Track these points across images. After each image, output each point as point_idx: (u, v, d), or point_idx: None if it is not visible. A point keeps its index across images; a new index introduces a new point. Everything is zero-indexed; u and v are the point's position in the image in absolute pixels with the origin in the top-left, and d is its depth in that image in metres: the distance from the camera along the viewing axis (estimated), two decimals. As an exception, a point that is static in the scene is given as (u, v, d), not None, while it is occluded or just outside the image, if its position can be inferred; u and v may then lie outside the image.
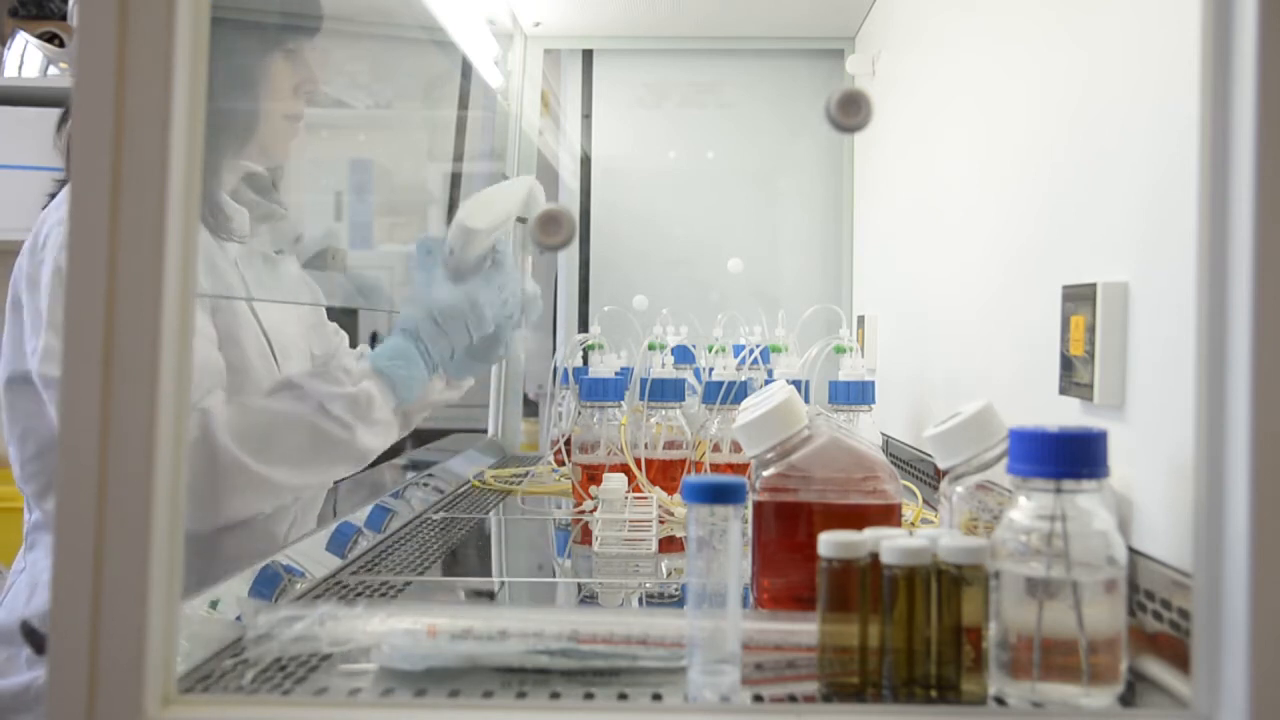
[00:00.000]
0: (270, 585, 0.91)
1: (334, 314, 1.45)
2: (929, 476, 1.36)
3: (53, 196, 1.25)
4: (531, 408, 2.17)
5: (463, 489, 1.50)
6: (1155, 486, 0.73)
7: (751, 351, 1.26)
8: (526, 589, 1.03)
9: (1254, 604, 0.54)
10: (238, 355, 1.15)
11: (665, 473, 1.29)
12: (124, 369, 0.54)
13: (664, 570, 1.03)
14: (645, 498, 1.21)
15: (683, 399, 1.33)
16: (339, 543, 1.08)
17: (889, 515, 0.83)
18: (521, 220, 1.23)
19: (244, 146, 1.23)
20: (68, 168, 1.27)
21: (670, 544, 1.12)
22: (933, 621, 0.61)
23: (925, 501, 1.24)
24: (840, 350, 1.40)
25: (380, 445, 1.17)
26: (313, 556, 1.02)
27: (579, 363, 1.68)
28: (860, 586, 0.62)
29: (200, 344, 1.11)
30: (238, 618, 0.76)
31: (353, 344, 1.46)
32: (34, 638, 1.10)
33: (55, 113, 1.41)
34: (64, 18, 2.53)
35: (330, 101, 1.40)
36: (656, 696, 0.63)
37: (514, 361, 2.10)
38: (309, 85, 1.25)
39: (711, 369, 1.33)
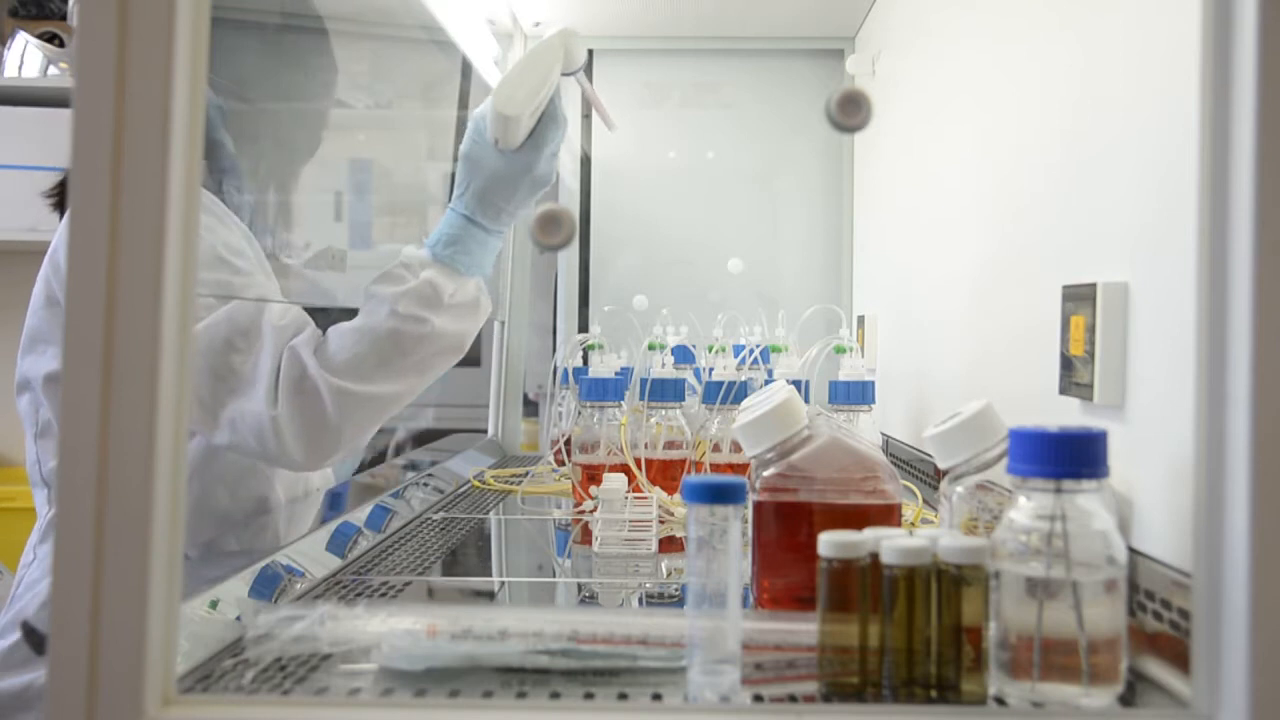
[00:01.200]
0: (270, 585, 0.91)
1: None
2: (929, 476, 1.36)
3: (55, 196, 1.25)
4: (531, 408, 2.17)
5: (463, 489, 1.50)
6: (1155, 486, 0.73)
7: (751, 351, 1.26)
8: (526, 589, 1.03)
9: (1254, 604, 0.54)
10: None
11: (665, 473, 1.29)
12: (124, 369, 0.54)
13: (664, 570, 1.03)
14: (645, 498, 1.21)
15: (683, 399, 1.33)
16: (339, 543, 1.08)
17: (889, 515, 0.83)
18: (569, 74, 1.16)
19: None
20: None
21: (670, 544, 1.12)
22: (933, 621, 0.61)
23: (925, 501, 1.24)
24: (840, 350, 1.40)
25: (468, 328, 1.16)
26: (313, 556, 1.02)
27: (579, 363, 1.68)
28: (860, 586, 0.62)
29: (275, 295, 1.14)
30: (238, 618, 0.76)
31: None
32: (34, 638, 1.10)
33: (55, 113, 1.41)
34: (64, 18, 2.53)
35: (330, 101, 1.40)
36: (656, 696, 0.63)
37: (514, 361, 2.11)
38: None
39: (711, 369, 1.33)
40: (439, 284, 1.12)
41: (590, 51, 2.16)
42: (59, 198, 1.31)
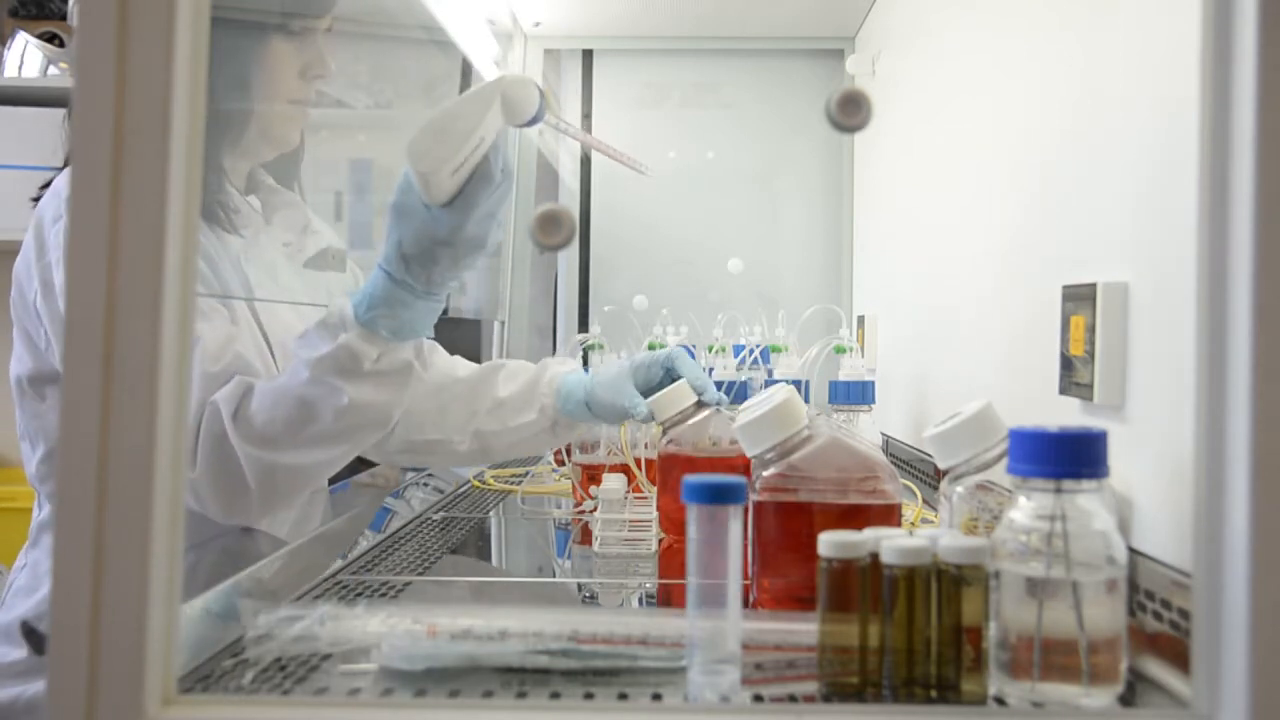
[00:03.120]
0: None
1: None
2: (929, 476, 1.36)
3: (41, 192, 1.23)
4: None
5: (463, 489, 1.50)
6: (1155, 486, 0.73)
7: (751, 351, 1.26)
8: (526, 589, 1.03)
9: (1254, 604, 0.54)
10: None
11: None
12: (124, 369, 0.54)
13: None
14: (645, 497, 1.21)
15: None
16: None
17: (889, 515, 0.83)
18: (522, 126, 1.00)
19: (244, 133, 1.18)
20: (68, 159, 1.27)
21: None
22: (933, 621, 0.61)
23: (925, 501, 1.24)
24: (840, 350, 1.40)
25: (392, 399, 1.05)
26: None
27: (579, 363, 1.68)
28: (860, 586, 0.62)
29: (221, 330, 1.09)
30: (238, 618, 0.76)
31: None
32: (33, 638, 1.10)
33: (55, 113, 1.40)
34: (64, 18, 2.53)
35: (330, 101, 1.39)
36: (656, 696, 0.63)
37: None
38: (318, 69, 1.19)
39: (711, 369, 1.33)
40: (358, 351, 1.01)
41: (590, 51, 2.17)
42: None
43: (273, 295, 1.22)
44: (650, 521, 1.13)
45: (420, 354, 1.06)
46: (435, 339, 1.22)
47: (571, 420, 1.28)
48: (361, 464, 1.45)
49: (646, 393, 1.22)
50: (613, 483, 1.16)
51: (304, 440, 1.03)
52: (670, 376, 1.23)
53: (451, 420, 1.30)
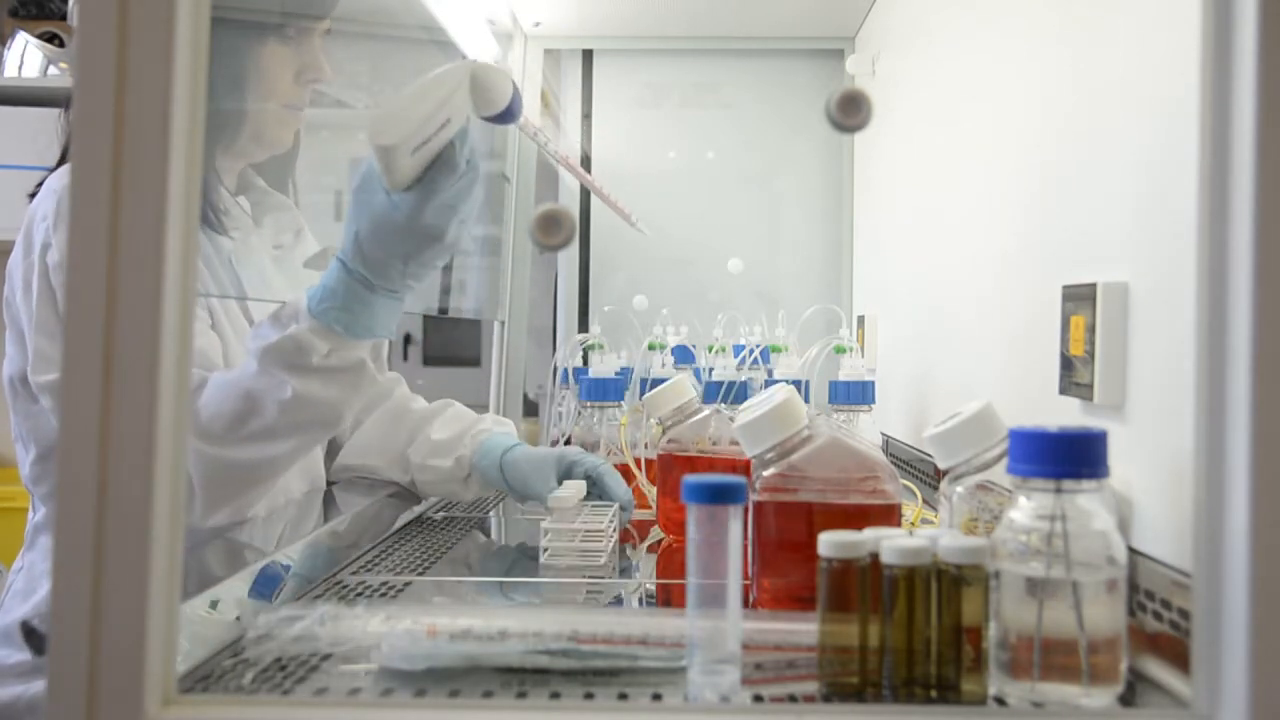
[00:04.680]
0: (270, 585, 0.91)
1: None
2: (929, 476, 1.36)
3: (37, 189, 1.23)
4: (531, 408, 2.17)
5: (463, 489, 1.50)
6: (1155, 486, 0.73)
7: (751, 351, 1.26)
8: (526, 589, 1.03)
9: (1254, 604, 0.54)
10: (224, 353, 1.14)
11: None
12: (124, 369, 0.54)
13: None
14: (604, 505, 1.16)
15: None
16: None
17: (889, 515, 0.83)
18: (489, 118, 0.96)
19: (237, 136, 1.17)
20: (63, 156, 1.26)
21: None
22: (933, 621, 0.61)
23: (925, 501, 1.24)
24: (840, 350, 1.40)
25: (335, 396, 1.01)
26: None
27: (579, 363, 1.68)
28: (860, 586, 0.62)
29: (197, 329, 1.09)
30: (238, 618, 0.76)
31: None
32: (34, 638, 1.10)
33: (55, 113, 1.40)
34: (64, 18, 2.53)
35: (330, 101, 1.39)
36: (656, 696, 0.63)
37: (514, 361, 2.10)
38: (312, 74, 1.19)
39: (711, 369, 1.33)
40: (306, 344, 0.97)
41: (590, 51, 2.16)
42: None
43: (262, 298, 1.22)
44: (603, 532, 1.06)
45: (377, 356, 1.02)
46: (435, 338, 1.22)
47: (484, 478, 1.25)
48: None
49: (562, 480, 1.19)
50: (568, 490, 1.10)
51: (247, 435, 1.00)
52: (594, 485, 1.19)
53: (390, 450, 1.31)
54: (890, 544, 0.62)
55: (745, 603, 0.81)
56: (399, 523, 1.23)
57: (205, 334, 1.11)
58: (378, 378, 1.04)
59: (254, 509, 1.09)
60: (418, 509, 1.30)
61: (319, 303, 0.98)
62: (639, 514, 1.27)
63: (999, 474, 0.76)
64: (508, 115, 0.96)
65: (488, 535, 1.25)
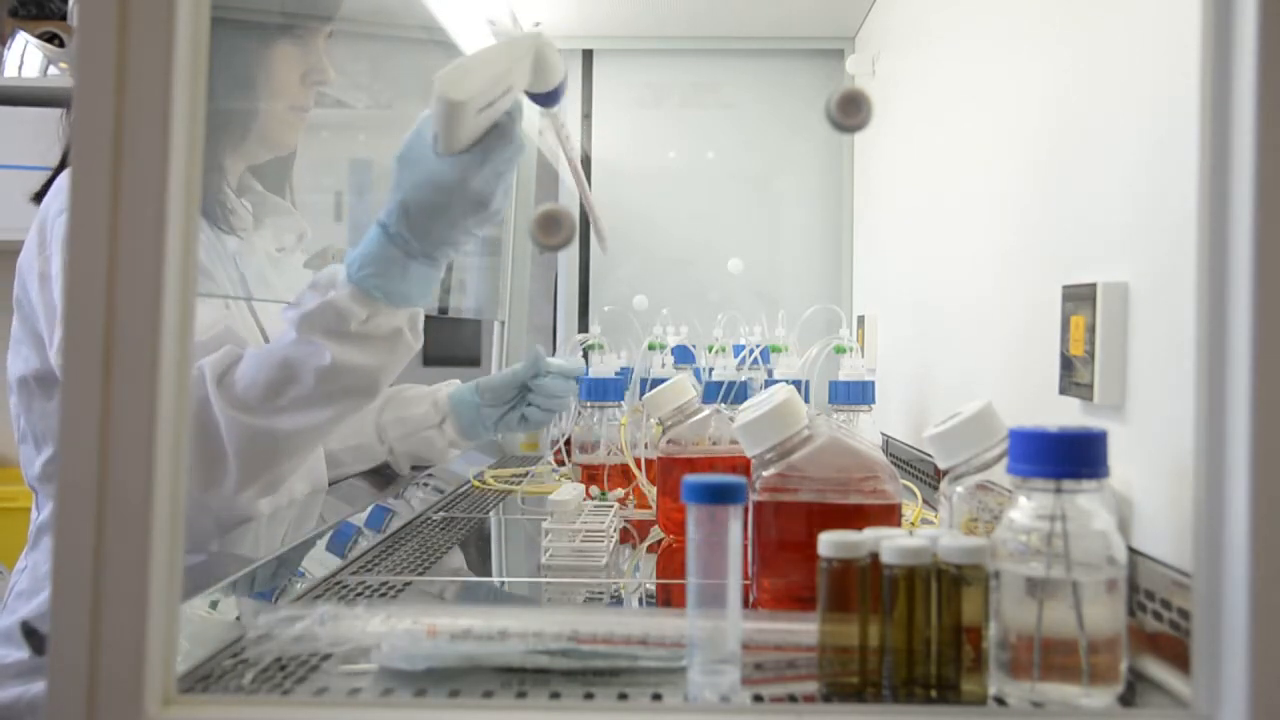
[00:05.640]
0: (344, 540, 0.91)
1: None
2: (929, 476, 1.36)
3: (38, 198, 1.23)
4: (531, 408, 2.17)
5: (463, 489, 1.50)
6: (1155, 486, 0.73)
7: (751, 351, 1.26)
8: (526, 589, 1.03)
9: (1254, 604, 0.54)
10: None
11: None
12: (124, 369, 0.54)
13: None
14: (605, 506, 1.17)
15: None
16: (339, 543, 1.07)
17: (889, 515, 0.83)
18: (534, 97, 0.97)
19: (246, 135, 1.19)
20: (65, 157, 1.27)
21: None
22: (933, 621, 0.61)
23: (925, 501, 1.24)
24: (840, 350, 1.40)
25: (381, 363, 1.01)
26: (313, 556, 1.02)
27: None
28: (860, 586, 0.62)
29: (214, 307, 1.10)
30: (238, 618, 0.76)
31: None
32: (34, 638, 1.10)
33: (55, 113, 1.41)
34: (64, 18, 2.53)
35: (330, 101, 1.39)
36: (656, 696, 0.63)
37: (514, 361, 2.10)
38: (317, 76, 1.20)
39: (711, 369, 1.33)
40: (345, 309, 0.97)
41: (590, 51, 2.16)
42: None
43: (266, 298, 1.23)
44: (603, 533, 1.06)
45: (414, 325, 1.03)
46: (435, 338, 1.22)
47: (458, 413, 1.45)
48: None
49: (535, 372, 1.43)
50: (567, 491, 1.10)
51: (284, 404, 1.00)
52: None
53: (367, 425, 1.44)
54: (890, 544, 0.62)
55: (745, 603, 0.81)
56: (399, 523, 1.22)
57: (240, 315, 1.13)
58: (414, 346, 1.04)
59: (285, 485, 1.10)
60: (418, 509, 1.30)
61: (358, 269, 0.98)
62: (639, 514, 1.27)
63: (999, 474, 0.76)
64: (554, 95, 0.97)
65: (488, 535, 1.25)
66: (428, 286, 1.01)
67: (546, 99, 0.97)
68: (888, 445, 1.62)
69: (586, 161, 2.15)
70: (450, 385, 1.49)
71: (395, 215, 0.96)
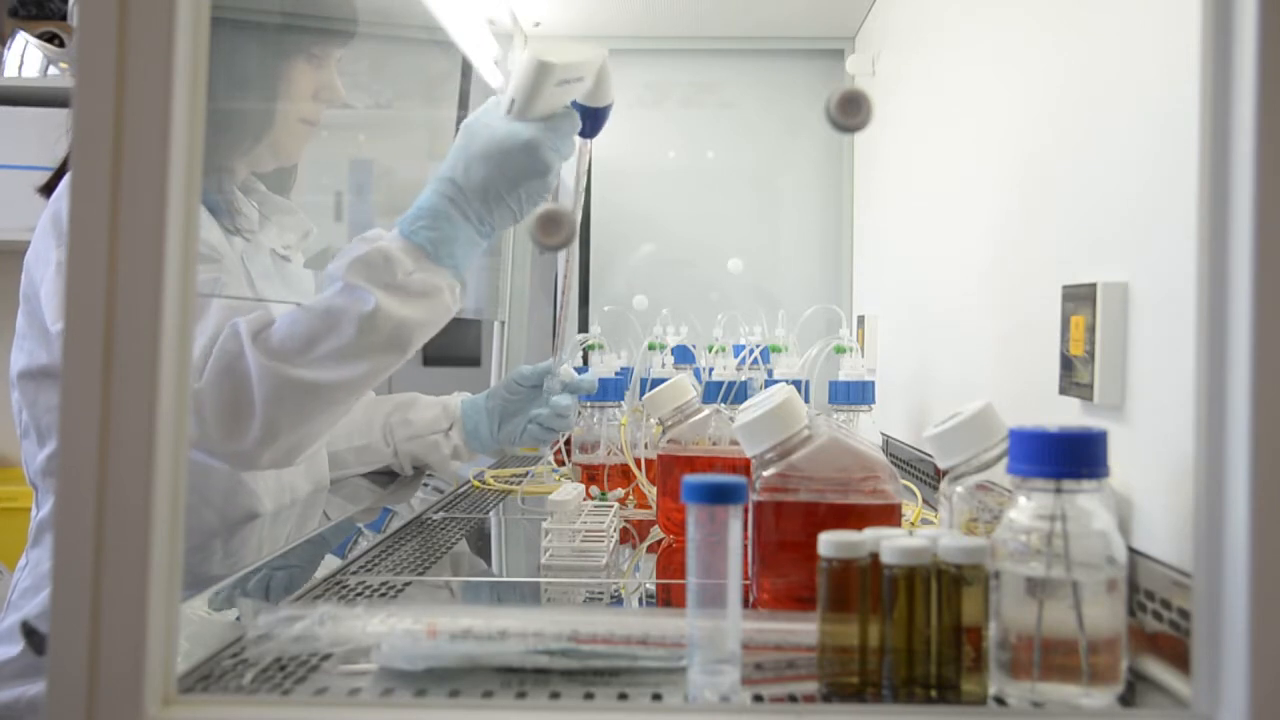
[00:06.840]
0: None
1: None
2: (929, 476, 1.36)
3: (46, 190, 1.24)
4: (531, 407, 2.17)
5: (463, 489, 1.50)
6: (1155, 486, 0.73)
7: (751, 351, 1.26)
8: (526, 589, 1.03)
9: (1254, 604, 0.54)
10: None
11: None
12: (124, 369, 0.54)
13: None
14: (604, 506, 1.17)
15: (682, 399, 1.32)
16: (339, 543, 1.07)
17: (889, 515, 0.83)
18: (582, 114, 1.06)
19: (258, 143, 1.21)
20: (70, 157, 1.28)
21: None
22: (933, 621, 0.61)
23: (925, 501, 1.24)
24: (840, 350, 1.40)
25: (420, 318, 1.03)
26: (314, 557, 1.02)
27: (579, 363, 1.68)
28: (860, 586, 0.62)
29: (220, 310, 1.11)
30: (238, 618, 0.76)
31: None
32: (33, 638, 1.10)
33: (55, 113, 1.42)
34: (64, 18, 2.53)
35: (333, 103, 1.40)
36: (656, 696, 0.63)
37: (514, 361, 2.10)
38: (329, 93, 1.24)
39: (711, 369, 1.33)
40: (393, 257, 1.00)
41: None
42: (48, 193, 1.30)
43: (270, 299, 1.23)
44: (603, 532, 1.07)
45: (454, 292, 1.06)
46: (435, 338, 1.23)
47: (465, 418, 1.45)
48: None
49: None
50: (567, 491, 1.10)
51: (320, 354, 1.01)
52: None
53: (374, 426, 1.46)
54: (890, 544, 0.62)
55: (745, 603, 0.81)
56: (399, 523, 1.23)
57: (275, 283, 1.16)
58: (452, 308, 1.07)
59: (306, 452, 1.09)
60: (418, 509, 1.30)
61: (411, 221, 1.03)
62: (639, 514, 1.27)
63: (999, 474, 0.76)
64: (599, 120, 1.08)
65: (488, 535, 1.25)
66: (472, 252, 1.05)
67: (596, 115, 1.07)
68: (888, 445, 1.62)
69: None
70: (463, 395, 1.51)
71: (457, 170, 1.02)
